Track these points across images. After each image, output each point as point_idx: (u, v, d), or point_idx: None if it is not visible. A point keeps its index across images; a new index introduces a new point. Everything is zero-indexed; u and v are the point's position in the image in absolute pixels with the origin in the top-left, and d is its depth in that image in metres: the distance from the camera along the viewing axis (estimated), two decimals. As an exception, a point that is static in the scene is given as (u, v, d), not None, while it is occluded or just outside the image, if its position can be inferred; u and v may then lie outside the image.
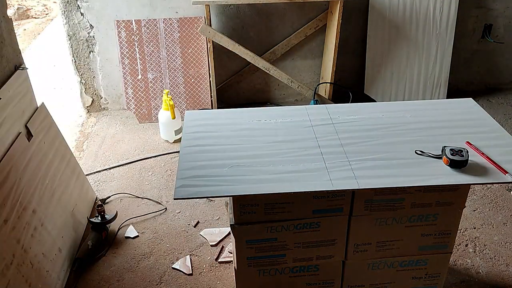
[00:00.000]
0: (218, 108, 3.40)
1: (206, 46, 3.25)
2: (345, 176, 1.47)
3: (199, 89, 3.38)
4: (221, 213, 2.53)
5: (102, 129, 3.35)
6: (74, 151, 3.03)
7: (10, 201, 1.83)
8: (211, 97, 3.36)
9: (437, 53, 3.45)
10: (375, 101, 3.50)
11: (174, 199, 1.42)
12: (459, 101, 1.93)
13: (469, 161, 1.50)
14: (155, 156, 3.03)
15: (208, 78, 3.34)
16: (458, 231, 2.14)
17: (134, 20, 3.20)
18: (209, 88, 3.37)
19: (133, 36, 3.22)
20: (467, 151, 1.52)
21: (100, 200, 2.62)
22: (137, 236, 2.39)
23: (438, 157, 1.54)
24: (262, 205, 1.56)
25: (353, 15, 3.36)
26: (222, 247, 2.32)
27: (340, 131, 1.71)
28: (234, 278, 1.79)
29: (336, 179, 1.46)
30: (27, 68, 2.18)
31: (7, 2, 2.11)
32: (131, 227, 2.44)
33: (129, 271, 2.19)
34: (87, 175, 2.75)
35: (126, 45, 3.23)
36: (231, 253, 2.25)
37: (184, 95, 3.39)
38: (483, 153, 1.56)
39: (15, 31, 2.14)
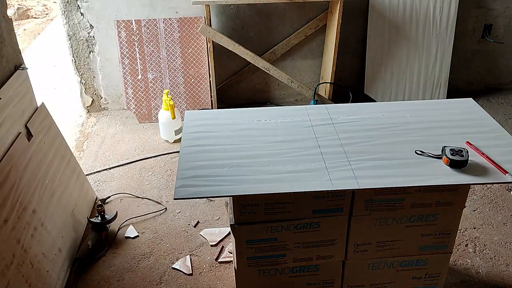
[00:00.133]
0: (218, 108, 3.40)
1: (206, 46, 3.25)
2: (345, 176, 1.47)
3: (199, 89, 3.38)
4: (221, 213, 2.53)
5: (102, 129, 3.35)
6: (74, 151, 3.03)
7: (10, 201, 1.83)
8: (211, 97, 3.36)
9: (437, 53, 3.45)
10: (375, 101, 3.50)
11: (174, 199, 1.42)
12: (459, 101, 1.93)
13: (469, 161, 1.50)
14: (155, 156, 3.03)
15: (208, 78, 3.34)
16: (458, 231, 2.14)
17: (134, 20, 3.20)
18: (209, 88, 3.37)
19: (133, 36, 3.22)
20: (467, 151, 1.52)
21: (100, 200, 2.62)
22: (137, 236, 2.39)
23: (438, 157, 1.54)
24: (262, 205, 1.56)
25: (353, 15, 3.36)
26: (222, 247, 2.32)
27: (340, 131, 1.71)
28: (234, 278, 1.79)
29: (336, 179, 1.46)
30: (27, 68, 2.18)
31: (7, 2, 2.11)
32: (131, 227, 2.44)
33: (129, 271, 2.19)
34: (87, 175, 2.75)
35: (126, 45, 3.23)
36: (231, 253, 2.25)
37: (184, 95, 3.39)
38: (483, 153, 1.56)
39: (15, 31, 2.14)
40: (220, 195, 1.44)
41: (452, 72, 3.55)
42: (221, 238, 2.36)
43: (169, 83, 3.35)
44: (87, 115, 3.53)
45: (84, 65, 3.37)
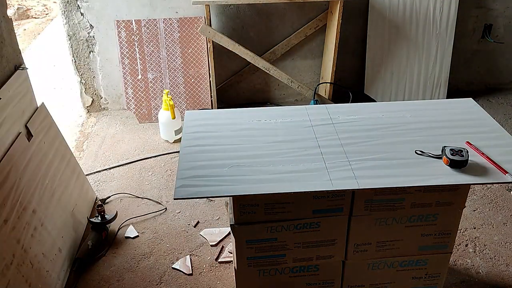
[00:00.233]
0: (218, 108, 3.40)
1: (206, 46, 3.25)
2: (345, 176, 1.47)
3: (199, 89, 3.38)
4: (221, 213, 2.53)
5: (102, 129, 3.35)
6: (74, 151, 3.03)
7: (10, 201, 1.83)
8: (211, 97, 3.36)
9: (437, 53, 3.45)
10: (375, 101, 3.50)
11: (174, 199, 1.42)
12: (459, 101, 1.93)
13: (469, 161, 1.50)
14: (155, 156, 3.03)
15: (208, 78, 3.34)
16: (458, 231, 2.14)
17: (134, 20, 3.20)
18: (209, 88, 3.37)
19: (133, 36, 3.22)
20: (467, 151, 1.52)
21: (100, 200, 2.62)
22: (137, 236, 2.39)
23: (438, 157, 1.54)
24: (262, 205, 1.56)
25: (353, 15, 3.36)
26: (222, 247, 2.32)
27: (340, 131, 1.71)
28: (234, 278, 1.79)
29: (336, 179, 1.46)
30: (27, 68, 2.18)
31: (7, 2, 2.11)
32: (131, 227, 2.44)
33: (129, 271, 2.19)
34: (87, 175, 2.75)
35: (126, 45, 3.23)
36: (231, 253, 2.25)
37: (184, 95, 3.39)
38: (483, 153, 1.56)
39: (15, 31, 2.14)
40: (220, 195, 1.44)
41: (452, 72, 3.55)
42: (221, 238, 2.36)
43: (169, 83, 3.35)
44: (87, 115, 3.53)
45: (84, 65, 3.37)
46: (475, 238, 2.36)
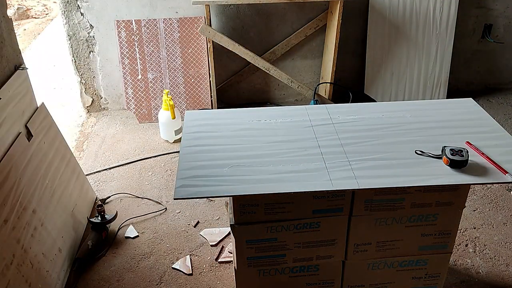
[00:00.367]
0: (218, 108, 3.40)
1: (206, 46, 3.25)
2: (345, 176, 1.47)
3: (199, 89, 3.38)
4: (221, 213, 2.53)
5: (102, 129, 3.35)
6: (74, 151, 3.03)
7: (10, 201, 1.83)
8: (211, 97, 3.36)
9: (437, 53, 3.45)
10: (375, 101, 3.50)
11: (174, 199, 1.43)
12: (459, 101, 1.93)
13: (469, 161, 1.50)
14: (155, 156, 3.03)
15: (208, 78, 3.34)
16: (458, 231, 2.14)
17: (134, 20, 3.20)
18: (209, 88, 3.37)
19: (133, 36, 3.22)
20: (467, 151, 1.52)
21: (100, 200, 2.62)
22: (137, 236, 2.39)
23: (438, 157, 1.54)
24: (262, 205, 1.56)
25: (353, 15, 3.36)
26: (222, 247, 2.32)
27: (340, 131, 1.71)
28: (234, 278, 1.79)
29: (336, 179, 1.46)
30: (27, 68, 2.18)
31: (7, 2, 2.11)
32: (131, 227, 2.44)
33: (129, 271, 2.19)
34: (87, 175, 2.75)
35: (126, 45, 3.23)
36: (231, 253, 2.25)
37: (184, 95, 3.39)
38: (483, 153, 1.56)
39: (15, 31, 2.14)
40: (220, 195, 1.44)
41: (452, 72, 3.55)
42: (221, 238, 2.36)
43: (169, 83, 3.35)
44: (87, 115, 3.53)
45: (84, 65, 3.37)
46: (475, 238, 2.36)
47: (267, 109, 1.88)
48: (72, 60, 3.34)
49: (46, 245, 2.02)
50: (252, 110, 1.87)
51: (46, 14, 6.33)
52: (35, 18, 6.18)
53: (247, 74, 3.51)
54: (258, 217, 1.59)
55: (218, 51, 3.30)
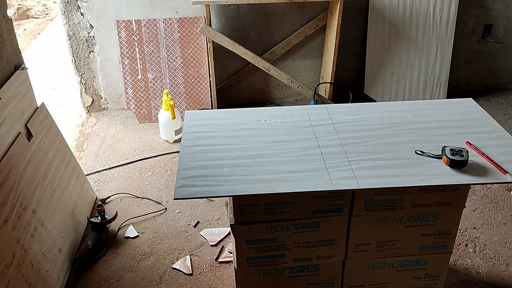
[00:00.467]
0: (218, 108, 3.40)
1: (206, 46, 3.25)
2: (345, 176, 1.47)
3: (199, 89, 3.38)
4: (221, 213, 2.53)
5: (102, 129, 3.35)
6: (74, 151, 3.03)
7: (10, 201, 1.83)
8: (211, 97, 3.36)
9: (437, 53, 3.45)
10: (375, 101, 3.50)
11: (174, 199, 1.43)
12: (459, 101, 1.93)
13: (469, 161, 1.50)
14: (155, 156, 3.03)
15: (208, 78, 3.34)
16: (458, 231, 2.14)
17: (134, 20, 3.20)
18: (209, 88, 3.37)
19: (133, 36, 3.22)
20: (467, 151, 1.52)
21: (100, 200, 2.62)
22: (137, 236, 2.39)
23: (438, 157, 1.54)
24: (262, 205, 1.56)
25: (353, 15, 3.36)
26: (222, 247, 2.32)
27: (340, 131, 1.71)
28: (234, 278, 1.79)
29: (336, 179, 1.46)
30: (27, 68, 2.18)
31: (7, 2, 2.11)
32: (131, 227, 2.44)
33: (129, 271, 2.19)
34: (87, 175, 2.75)
35: (126, 45, 3.23)
36: (231, 253, 2.25)
37: (184, 95, 3.39)
38: (483, 153, 1.56)
39: (15, 31, 2.14)
40: (220, 195, 1.44)
41: (452, 72, 3.55)
42: (221, 238, 2.36)
43: (169, 83, 3.35)
44: (87, 115, 3.53)
45: (84, 65, 3.37)
46: (475, 238, 2.36)
47: (267, 109, 1.88)
48: (72, 60, 3.34)
49: (46, 245, 2.02)
50: (252, 110, 1.87)
51: (46, 14, 6.33)
52: (35, 18, 6.18)
53: (247, 74, 3.51)
54: (258, 217, 1.59)
55: (218, 51, 3.30)
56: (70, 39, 3.26)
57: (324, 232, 1.65)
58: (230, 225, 1.62)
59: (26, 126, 2.10)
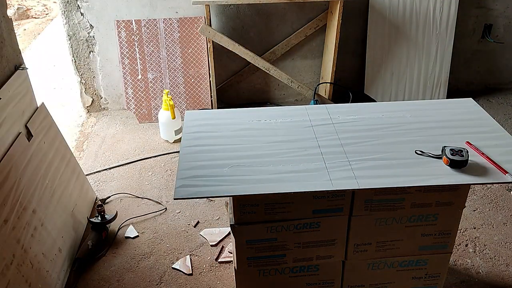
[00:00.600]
0: (218, 108, 3.40)
1: (206, 46, 3.25)
2: (345, 176, 1.47)
3: (199, 89, 3.38)
4: (221, 213, 2.53)
5: (102, 129, 3.35)
6: (74, 151, 3.03)
7: (10, 201, 1.83)
8: (211, 97, 3.36)
9: (437, 53, 3.45)
10: (375, 101, 3.50)
11: (174, 199, 1.43)
12: (459, 101, 1.93)
13: (469, 161, 1.50)
14: (155, 156, 3.03)
15: (208, 78, 3.34)
16: (458, 231, 2.14)
17: (134, 20, 3.20)
18: (209, 88, 3.37)
19: (133, 36, 3.22)
20: (467, 151, 1.52)
21: (100, 200, 2.62)
22: (137, 236, 2.39)
23: (438, 157, 1.54)
24: (262, 205, 1.56)
25: (353, 15, 3.36)
26: (222, 247, 2.32)
27: (340, 131, 1.71)
28: (234, 278, 1.79)
29: (336, 179, 1.46)
30: (27, 68, 2.18)
31: (7, 2, 2.11)
32: (131, 227, 2.44)
33: (129, 271, 2.19)
34: (87, 175, 2.75)
35: (126, 45, 3.23)
36: (231, 253, 2.25)
37: (184, 95, 3.39)
38: (483, 153, 1.56)
39: (15, 31, 2.14)
40: (220, 195, 1.44)
41: (452, 72, 3.55)
42: (221, 238, 2.36)
43: (169, 83, 3.35)
44: (87, 115, 3.53)
45: (84, 65, 3.37)
46: (475, 238, 2.36)
47: (267, 109, 1.88)
48: (72, 60, 3.34)
49: (46, 245, 2.02)
50: (252, 110, 1.87)
51: (46, 14, 6.33)
52: (35, 18, 6.18)
53: (247, 74, 3.51)
54: (258, 217, 1.59)
55: (218, 51, 3.30)
56: (70, 39, 3.26)
57: (324, 232, 1.65)
58: (230, 225, 1.62)
59: (26, 126, 2.10)
